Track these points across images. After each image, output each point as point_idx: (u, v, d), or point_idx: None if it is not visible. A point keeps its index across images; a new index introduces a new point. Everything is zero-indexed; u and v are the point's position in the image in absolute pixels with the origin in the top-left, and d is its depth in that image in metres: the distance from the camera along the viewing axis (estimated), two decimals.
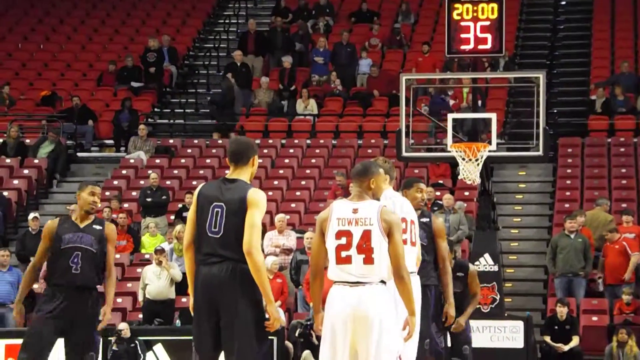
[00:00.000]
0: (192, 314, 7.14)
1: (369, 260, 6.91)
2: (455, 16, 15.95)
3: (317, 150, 24.00)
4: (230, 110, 25.20)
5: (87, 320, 8.73)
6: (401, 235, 7.01)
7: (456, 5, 16.02)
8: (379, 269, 6.94)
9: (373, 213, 6.97)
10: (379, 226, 6.94)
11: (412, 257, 8.25)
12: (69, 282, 8.61)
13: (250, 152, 7.16)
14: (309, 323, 16.65)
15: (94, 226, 8.76)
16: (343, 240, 6.94)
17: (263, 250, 18.54)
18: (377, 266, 6.94)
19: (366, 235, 6.93)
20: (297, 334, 16.82)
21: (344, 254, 6.93)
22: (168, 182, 22.63)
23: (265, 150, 23.89)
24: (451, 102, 24.35)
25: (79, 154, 24.96)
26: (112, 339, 16.72)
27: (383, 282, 6.99)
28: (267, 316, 7.02)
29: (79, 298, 8.65)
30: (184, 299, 17.62)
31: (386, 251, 6.93)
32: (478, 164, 15.56)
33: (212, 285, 6.92)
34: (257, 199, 6.96)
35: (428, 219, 9.26)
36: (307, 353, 16.67)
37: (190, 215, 7.12)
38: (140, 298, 18.11)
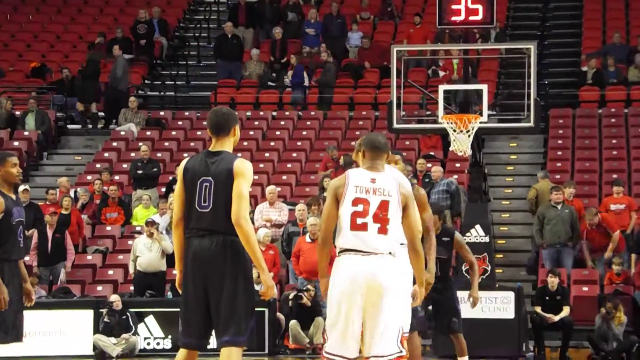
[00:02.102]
0: (179, 291, 7.14)
1: (383, 230, 6.96)
2: None
3: (308, 122, 23.97)
4: None
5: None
6: (416, 208, 7.07)
7: None
8: (391, 240, 6.99)
9: (392, 185, 7.04)
10: (398, 199, 7.01)
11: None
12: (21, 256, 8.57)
13: (230, 122, 7.12)
14: (300, 293, 16.68)
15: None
16: (360, 208, 6.95)
17: (253, 222, 18.55)
18: (390, 237, 6.98)
19: (384, 206, 6.96)
20: (290, 299, 16.82)
21: (359, 220, 6.95)
22: (159, 155, 22.59)
23: (256, 123, 23.86)
24: (441, 73, 24.32)
25: (69, 126, 24.89)
26: (104, 311, 16.76)
27: (391, 253, 7.02)
28: (258, 288, 7.03)
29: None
30: (175, 271, 17.62)
31: (399, 223, 7.01)
32: (469, 136, 15.54)
33: (203, 258, 6.91)
34: (244, 168, 6.94)
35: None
36: (294, 323, 16.70)
37: (177, 191, 7.10)
38: (131, 270, 18.13)
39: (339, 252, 7.04)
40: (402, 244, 8.20)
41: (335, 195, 7.02)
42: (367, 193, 6.99)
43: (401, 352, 7.02)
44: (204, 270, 6.91)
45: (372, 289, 6.90)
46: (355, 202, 6.97)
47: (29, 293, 8.66)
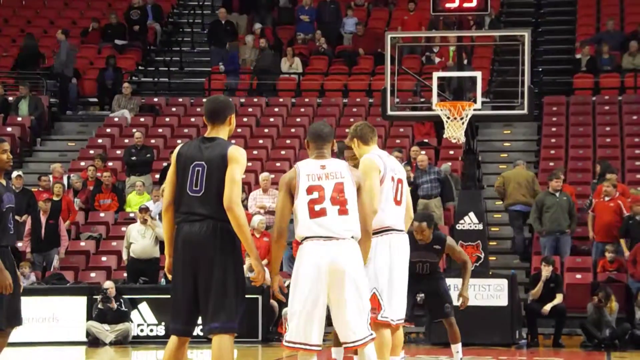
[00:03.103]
0: (168, 276, 7.13)
1: (343, 211, 6.97)
2: None
3: (302, 109, 23.95)
4: None
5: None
6: (375, 193, 7.14)
7: None
8: (351, 221, 6.99)
9: (342, 167, 7.10)
10: (351, 179, 7.05)
11: (397, 215, 8.23)
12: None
13: (227, 111, 7.11)
14: None
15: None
16: (315, 195, 6.97)
17: (247, 209, 18.54)
18: (351, 217, 6.99)
19: (338, 188, 6.99)
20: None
21: (317, 207, 6.95)
22: (153, 141, 22.56)
23: (250, 109, 23.82)
24: (437, 60, 24.30)
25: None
26: (98, 297, 16.75)
27: (353, 237, 7.01)
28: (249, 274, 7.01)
29: None
30: None
31: (356, 203, 7.03)
32: (463, 123, 15.54)
33: (193, 243, 6.89)
34: (238, 155, 6.94)
35: None
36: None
37: (169, 176, 7.08)
38: (124, 257, 18.11)
39: (302, 240, 7.05)
40: (400, 230, 8.23)
41: (288, 189, 7.03)
42: (319, 179, 7.01)
43: (372, 334, 7.03)
44: (194, 256, 6.89)
45: (334, 273, 6.90)
46: (310, 190, 6.98)
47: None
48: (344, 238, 6.96)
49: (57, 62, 24.43)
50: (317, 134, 7.19)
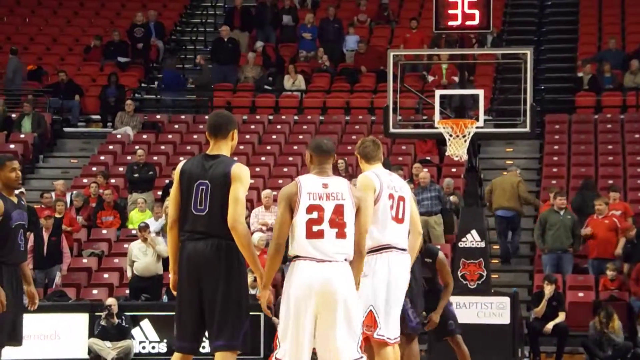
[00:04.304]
0: (173, 293, 7.13)
1: (341, 235, 6.92)
2: None
3: (305, 127, 23.97)
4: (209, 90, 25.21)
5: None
6: (368, 212, 7.09)
7: None
8: (349, 245, 6.96)
9: (344, 188, 7.02)
10: (351, 201, 6.99)
11: (397, 233, 8.22)
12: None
13: (229, 125, 7.12)
14: None
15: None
16: (314, 215, 6.92)
17: (249, 225, 18.54)
18: (349, 241, 6.95)
19: (339, 210, 6.94)
20: None
21: (315, 228, 6.91)
22: (155, 158, 22.58)
23: (253, 126, 23.85)
24: (430, 78, 24.33)
25: (66, 129, 24.87)
26: (102, 314, 16.72)
27: (346, 260, 6.99)
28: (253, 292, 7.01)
29: None
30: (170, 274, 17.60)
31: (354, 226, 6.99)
32: (465, 141, 15.54)
33: (197, 261, 6.90)
34: (241, 173, 6.93)
35: None
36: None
37: (173, 193, 7.09)
38: (128, 274, 18.10)
39: (293, 257, 7.02)
40: (401, 249, 8.22)
41: (288, 203, 6.96)
42: (320, 199, 6.95)
43: (362, 357, 6.99)
44: (198, 274, 6.90)
45: (325, 296, 6.87)
46: (310, 209, 6.93)
47: (33, 296, 8.64)
48: (337, 261, 6.94)
49: (5, 79, 24.55)
50: (321, 148, 7.14)
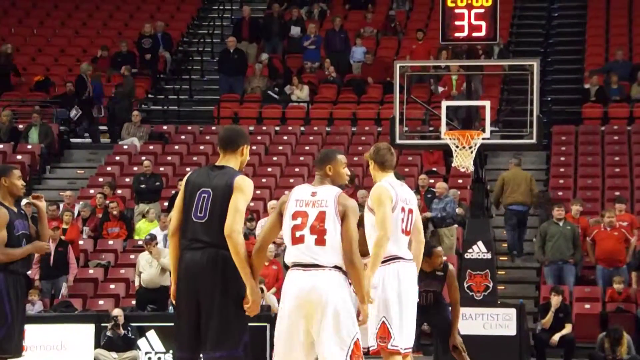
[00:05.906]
0: (173, 301, 7.13)
1: (320, 242, 6.93)
2: (449, 3, 15.91)
3: (311, 138, 23.98)
4: None
5: None
6: (356, 220, 7.02)
7: None
8: (331, 252, 6.94)
9: (330, 196, 7.02)
10: (335, 208, 6.97)
11: (405, 244, 8.25)
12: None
13: (240, 140, 7.13)
14: None
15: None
16: (298, 221, 6.99)
17: (255, 237, 18.52)
18: (329, 248, 6.93)
19: (321, 217, 6.96)
20: None
21: (298, 233, 6.98)
22: (162, 169, 22.60)
23: (259, 137, 23.86)
24: (440, 89, 24.35)
25: (72, 140, 24.91)
26: (108, 325, 16.71)
27: (338, 267, 6.96)
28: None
29: None
30: None
31: (340, 235, 6.94)
32: (472, 152, 15.54)
33: (194, 271, 6.90)
34: (244, 184, 6.95)
35: None
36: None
37: (177, 202, 7.11)
38: (136, 283, 18.12)
39: (288, 268, 7.08)
40: (408, 259, 8.22)
41: (280, 210, 7.09)
42: (306, 206, 7.02)
43: None
44: (195, 284, 6.90)
45: (311, 304, 6.88)
46: (295, 215, 7.02)
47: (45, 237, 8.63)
48: (323, 267, 6.94)
49: None
50: (316, 159, 7.24)
